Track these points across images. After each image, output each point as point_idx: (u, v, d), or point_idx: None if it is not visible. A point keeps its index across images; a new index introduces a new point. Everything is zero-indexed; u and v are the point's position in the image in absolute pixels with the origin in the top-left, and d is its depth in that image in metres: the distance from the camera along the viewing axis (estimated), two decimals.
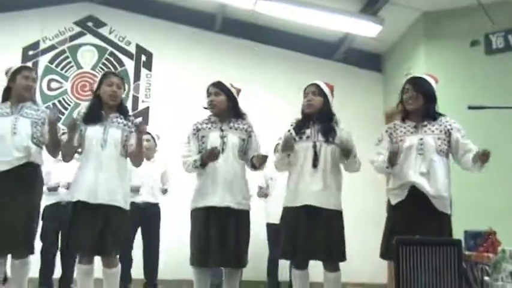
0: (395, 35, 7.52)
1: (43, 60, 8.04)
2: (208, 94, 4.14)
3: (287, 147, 3.94)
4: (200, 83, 7.62)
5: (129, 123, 4.04)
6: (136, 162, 4.12)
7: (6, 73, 4.17)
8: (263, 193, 6.63)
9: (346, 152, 3.98)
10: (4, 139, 3.90)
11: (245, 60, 8.09)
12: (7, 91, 4.13)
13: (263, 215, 6.55)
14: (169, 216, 6.56)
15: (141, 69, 8.09)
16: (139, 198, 6.03)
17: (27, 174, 3.93)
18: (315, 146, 3.98)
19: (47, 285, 6.21)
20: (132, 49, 8.17)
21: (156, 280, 6.58)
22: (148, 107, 7.96)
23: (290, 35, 8.05)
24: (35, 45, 8.04)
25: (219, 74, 7.16)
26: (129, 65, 8.10)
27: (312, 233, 3.86)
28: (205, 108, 4.18)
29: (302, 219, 3.91)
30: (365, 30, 7.02)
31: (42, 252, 6.24)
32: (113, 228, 3.81)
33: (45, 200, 6.38)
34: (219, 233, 3.84)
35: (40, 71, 7.96)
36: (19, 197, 3.84)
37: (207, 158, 3.87)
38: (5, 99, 4.12)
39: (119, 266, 3.98)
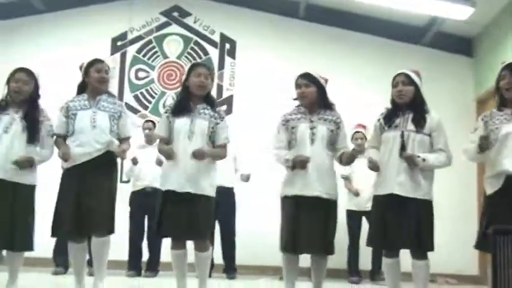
0: (487, 18, 7.18)
1: (131, 51, 8.25)
2: (298, 86, 4.08)
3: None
4: (284, 70, 7.73)
5: (216, 114, 4.09)
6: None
7: (81, 68, 4.28)
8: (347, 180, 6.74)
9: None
10: (84, 132, 4.04)
11: (329, 47, 7.98)
12: (82, 85, 4.22)
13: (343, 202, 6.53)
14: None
15: (225, 57, 8.14)
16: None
17: (106, 162, 4.08)
18: (402, 135, 3.89)
19: (136, 269, 6.41)
20: (216, 38, 8.23)
21: (234, 264, 6.68)
22: (232, 95, 8.00)
23: (375, 20, 7.85)
24: (123, 36, 8.26)
25: (302, 61, 7.21)
26: (214, 53, 8.17)
27: (399, 222, 3.82)
28: (294, 99, 4.15)
29: (390, 208, 3.88)
30: (456, 13, 6.77)
31: (130, 237, 6.45)
32: (203, 214, 3.94)
33: (132, 187, 6.60)
34: (308, 221, 3.87)
35: (128, 61, 8.19)
36: (100, 183, 4.03)
37: (298, 165, 3.90)
38: (80, 93, 4.23)
39: (211, 249, 4.11)
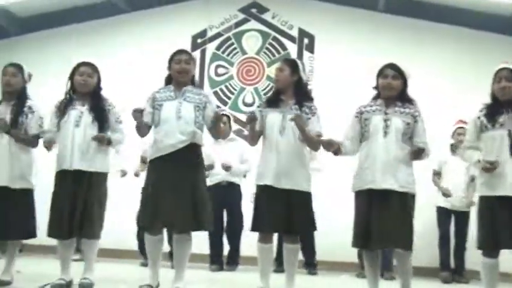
0: None
1: (210, 47, 8.37)
2: (384, 76, 3.95)
3: None
4: (364, 63, 7.62)
5: (307, 110, 4.10)
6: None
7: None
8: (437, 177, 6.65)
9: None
10: (169, 122, 4.03)
11: (409, 39, 7.80)
12: (169, 77, 4.25)
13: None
14: None
15: (303, 52, 8.11)
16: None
17: (191, 155, 4.06)
18: (510, 134, 3.75)
19: (218, 263, 6.49)
20: (294, 33, 8.22)
21: (315, 260, 6.72)
22: (311, 90, 7.93)
23: (458, 10, 7.60)
24: (202, 34, 8.39)
25: (383, 54, 7.07)
26: (292, 48, 8.15)
27: (509, 223, 3.72)
28: (374, 88, 4.04)
29: (498, 209, 3.75)
30: None
31: (210, 231, 6.52)
32: (298, 210, 3.98)
33: (209, 181, 6.66)
34: (380, 215, 3.76)
35: (207, 58, 8.31)
36: (184, 175, 3.98)
37: (327, 146, 3.97)
38: (167, 85, 4.25)
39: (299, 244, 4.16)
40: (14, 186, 4.30)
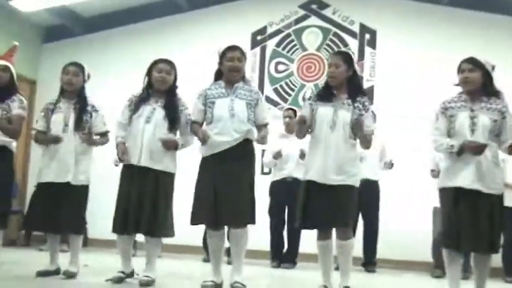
0: None
1: (270, 44, 8.33)
2: (461, 71, 3.82)
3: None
4: (428, 58, 7.45)
5: (360, 105, 3.92)
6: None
7: (218, 53, 4.21)
8: None
9: None
10: (222, 120, 4.00)
11: (475, 33, 7.54)
12: (219, 72, 4.19)
13: None
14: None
15: (365, 47, 7.97)
16: None
17: (244, 151, 4.05)
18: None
19: (277, 259, 6.43)
20: (355, 28, 8.09)
21: (375, 259, 6.58)
22: (373, 86, 7.81)
23: None
24: (262, 31, 8.36)
25: (447, 48, 6.88)
26: (353, 44, 8.03)
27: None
28: (456, 85, 3.89)
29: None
30: None
31: (271, 227, 6.48)
32: (346, 204, 3.86)
33: (272, 176, 6.62)
34: (469, 216, 3.65)
35: (267, 55, 8.28)
36: (239, 171, 3.98)
37: (472, 150, 3.67)
38: (217, 80, 4.19)
39: (353, 239, 4.01)
40: (75, 183, 4.38)
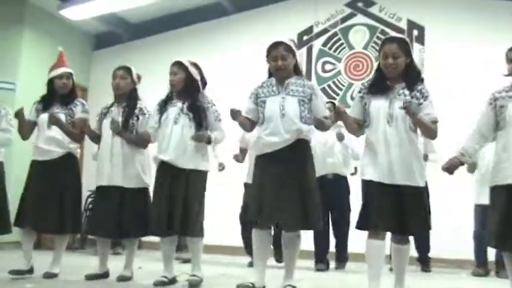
0: None
1: (317, 44, 8.30)
2: (510, 60, 3.71)
3: None
4: (478, 53, 7.28)
5: (418, 94, 3.59)
6: None
7: None
8: None
9: None
10: (273, 120, 3.86)
11: None
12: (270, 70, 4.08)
13: None
14: None
15: (413, 44, 7.84)
16: None
17: (298, 150, 3.87)
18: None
19: (323, 261, 6.20)
20: (403, 25, 7.98)
21: (428, 257, 6.44)
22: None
23: None
24: (308, 30, 8.33)
25: (500, 45, 6.69)
26: None
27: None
28: (506, 75, 3.74)
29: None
30: None
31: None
32: (411, 208, 3.54)
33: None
34: None
35: (314, 55, 8.24)
36: (292, 173, 3.80)
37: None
38: (270, 76, 4.08)
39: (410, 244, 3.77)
40: (128, 186, 4.43)
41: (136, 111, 4.56)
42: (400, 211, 3.51)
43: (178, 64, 4.39)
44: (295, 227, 3.84)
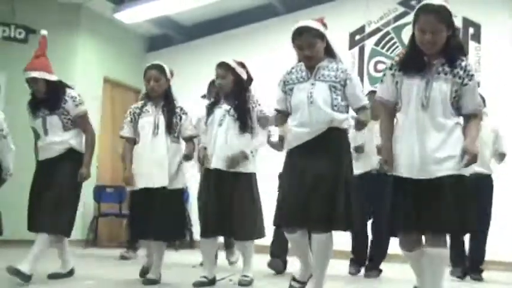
0: None
1: (369, 44, 8.20)
2: None
3: None
4: None
5: (461, 72, 2.97)
6: None
7: None
8: None
9: None
10: (301, 110, 3.41)
11: None
12: None
13: None
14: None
15: (468, 42, 7.66)
16: None
17: (332, 141, 3.38)
18: None
19: (359, 265, 5.70)
20: (458, 22, 7.78)
21: (482, 264, 5.79)
22: (478, 82, 7.46)
23: None
24: (360, 30, 8.25)
25: None
26: None
27: None
28: None
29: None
30: None
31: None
32: (451, 202, 2.93)
33: (355, 169, 5.89)
34: None
35: (366, 55, 8.15)
36: (324, 166, 3.31)
37: None
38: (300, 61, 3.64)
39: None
40: (171, 187, 4.23)
41: (178, 110, 4.37)
42: (437, 208, 2.93)
43: (225, 65, 4.32)
44: (321, 228, 3.32)
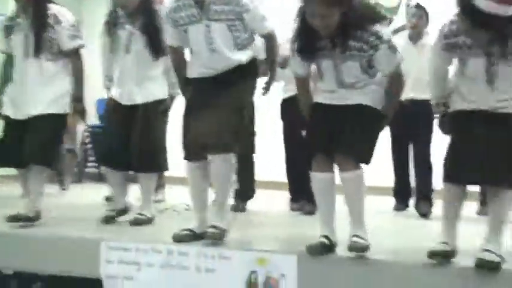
0: None
1: None
2: None
3: None
4: None
5: (366, 46, 2.81)
6: None
7: None
8: None
9: None
10: (201, 56, 3.20)
11: None
12: None
13: None
14: None
15: None
16: None
17: (234, 75, 3.18)
18: None
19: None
20: None
21: None
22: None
23: None
24: None
25: None
26: None
27: None
28: None
29: None
30: None
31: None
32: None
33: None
34: None
35: None
36: (226, 94, 3.13)
37: None
38: None
39: None
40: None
41: (51, 21, 3.53)
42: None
43: None
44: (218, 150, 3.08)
